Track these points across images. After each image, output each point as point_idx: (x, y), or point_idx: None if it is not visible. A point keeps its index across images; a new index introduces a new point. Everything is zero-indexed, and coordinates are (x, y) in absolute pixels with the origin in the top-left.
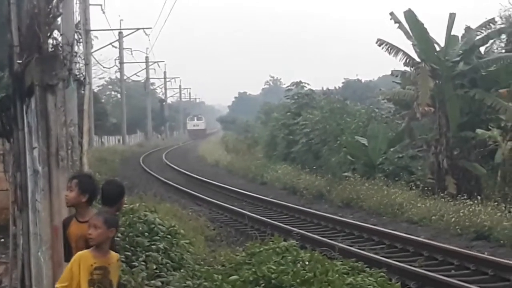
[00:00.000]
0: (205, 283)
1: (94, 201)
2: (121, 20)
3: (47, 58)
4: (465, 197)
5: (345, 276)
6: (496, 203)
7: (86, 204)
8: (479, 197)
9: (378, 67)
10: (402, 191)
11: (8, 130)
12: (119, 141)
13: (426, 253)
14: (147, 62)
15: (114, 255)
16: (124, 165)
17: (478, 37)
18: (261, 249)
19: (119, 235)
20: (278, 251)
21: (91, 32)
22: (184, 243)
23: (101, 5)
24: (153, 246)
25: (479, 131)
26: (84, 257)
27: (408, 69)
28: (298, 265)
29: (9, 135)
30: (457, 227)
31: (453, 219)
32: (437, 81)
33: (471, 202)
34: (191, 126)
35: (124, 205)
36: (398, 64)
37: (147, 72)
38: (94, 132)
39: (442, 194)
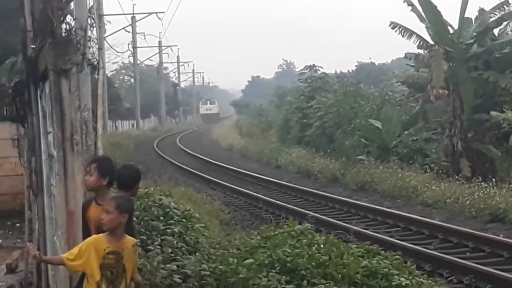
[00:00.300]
0: (220, 267)
1: (114, 184)
2: (134, 4)
3: (60, 42)
4: (480, 179)
5: (360, 259)
6: (511, 185)
7: (107, 187)
8: (493, 180)
9: (391, 50)
10: (416, 174)
11: (22, 115)
12: (133, 125)
13: (441, 235)
14: (160, 46)
15: (129, 240)
16: (138, 150)
17: (492, 19)
18: (276, 232)
19: (134, 219)
20: (293, 235)
21: (104, 16)
22: (199, 227)
23: None
24: (168, 230)
25: (493, 113)
26: (98, 241)
27: (421, 51)
28: (313, 248)
29: (24, 120)
30: (472, 209)
31: (468, 201)
32: (450, 64)
33: (486, 185)
34: (204, 110)
35: (140, 190)
36: (411, 46)
37: (160, 57)
38: (108, 116)
39: (456, 177)
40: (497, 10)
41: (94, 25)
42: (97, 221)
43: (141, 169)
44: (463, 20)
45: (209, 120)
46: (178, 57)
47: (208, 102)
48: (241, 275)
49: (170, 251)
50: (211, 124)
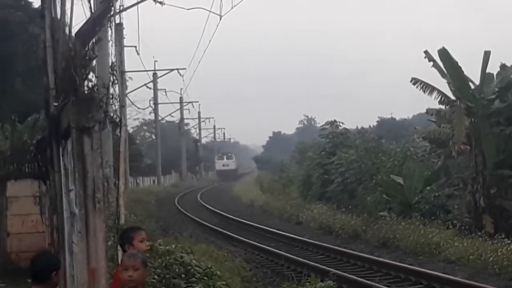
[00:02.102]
0: None
1: None
2: (155, 61)
3: (83, 100)
4: (503, 236)
5: None
6: None
7: None
8: None
9: (412, 105)
10: (439, 230)
11: (44, 172)
12: (153, 181)
13: None
14: (181, 102)
15: None
16: (160, 206)
17: None
18: None
19: (156, 276)
20: None
21: (126, 73)
22: (220, 285)
23: (135, 46)
24: None
25: None
26: None
27: (443, 107)
28: None
29: (45, 177)
30: (495, 266)
31: (491, 258)
32: (472, 119)
33: (509, 241)
34: (220, 165)
35: (160, 247)
36: (433, 102)
37: (181, 113)
38: (129, 173)
39: (479, 233)
40: None
41: (116, 82)
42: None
43: (162, 225)
44: (485, 76)
45: (226, 177)
46: (199, 113)
47: (225, 157)
48: None
49: None
50: (228, 181)
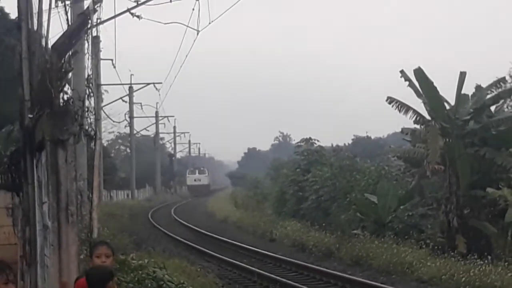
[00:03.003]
0: None
1: None
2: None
3: (58, 113)
4: (476, 256)
5: None
6: (506, 263)
7: None
8: (489, 257)
9: (388, 124)
10: (412, 249)
11: (17, 184)
12: (127, 195)
13: None
14: (157, 116)
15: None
16: (133, 220)
17: (488, 96)
18: None
19: None
20: None
21: (102, 86)
22: None
23: (112, 59)
24: None
25: (489, 190)
26: None
27: (418, 127)
28: None
29: (19, 189)
30: (467, 287)
31: (463, 278)
32: (447, 140)
33: (482, 262)
34: (192, 180)
35: (133, 261)
36: (408, 121)
37: (157, 127)
38: (103, 186)
39: (452, 253)
40: (494, 87)
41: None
42: None
43: (135, 239)
44: (460, 97)
45: (198, 193)
46: (174, 127)
47: (197, 171)
48: None
49: None
50: (200, 197)
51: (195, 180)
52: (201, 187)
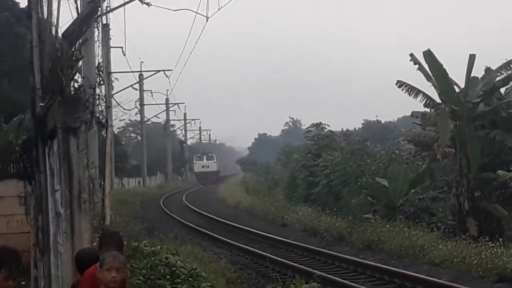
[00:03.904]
0: None
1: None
2: (141, 62)
3: (69, 101)
4: (487, 239)
5: None
6: None
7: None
8: (500, 239)
9: (398, 108)
10: (423, 233)
11: (30, 172)
12: (139, 183)
13: None
14: (167, 104)
15: None
16: (145, 207)
17: (498, 78)
18: None
19: (141, 277)
20: None
21: (112, 74)
22: (205, 286)
23: (122, 47)
24: None
25: (500, 172)
26: None
27: (428, 110)
28: None
29: (31, 177)
30: (479, 269)
31: (474, 261)
32: (457, 122)
33: (493, 244)
34: (199, 167)
35: (146, 248)
36: (418, 105)
37: (167, 114)
38: (115, 174)
39: (463, 236)
40: (504, 69)
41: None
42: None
43: (147, 227)
44: (470, 79)
45: (206, 180)
46: (185, 114)
47: (205, 157)
48: None
49: None
50: (208, 185)
51: (202, 167)
52: (210, 174)
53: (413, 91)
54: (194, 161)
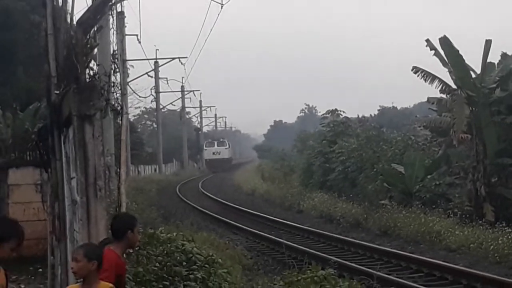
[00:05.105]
0: None
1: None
2: (156, 49)
3: (84, 88)
4: (504, 224)
5: None
6: None
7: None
8: None
9: (414, 94)
10: (439, 218)
11: (46, 160)
12: (155, 170)
13: (465, 281)
14: (182, 91)
15: (104, 286)
16: (161, 195)
17: None
18: (299, 278)
19: (157, 264)
20: (316, 280)
21: (127, 61)
22: (221, 273)
23: (137, 35)
24: (191, 276)
25: None
26: None
27: (444, 96)
28: None
29: (47, 165)
30: (496, 255)
31: (491, 247)
32: (473, 108)
33: (510, 230)
34: (210, 154)
35: (162, 235)
36: (434, 91)
37: (183, 101)
38: (131, 161)
39: (480, 222)
40: None
41: (117, 70)
42: None
43: (163, 213)
44: (486, 65)
45: (216, 168)
46: (200, 101)
47: (216, 143)
48: None
49: None
50: (218, 173)
51: (213, 154)
52: (221, 162)
53: (429, 77)
54: (204, 147)
